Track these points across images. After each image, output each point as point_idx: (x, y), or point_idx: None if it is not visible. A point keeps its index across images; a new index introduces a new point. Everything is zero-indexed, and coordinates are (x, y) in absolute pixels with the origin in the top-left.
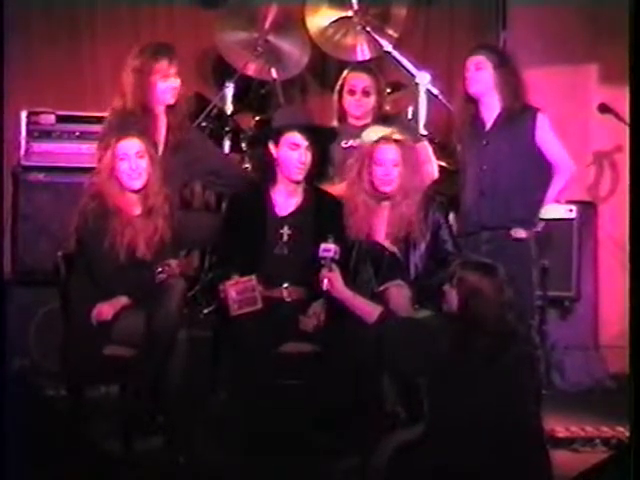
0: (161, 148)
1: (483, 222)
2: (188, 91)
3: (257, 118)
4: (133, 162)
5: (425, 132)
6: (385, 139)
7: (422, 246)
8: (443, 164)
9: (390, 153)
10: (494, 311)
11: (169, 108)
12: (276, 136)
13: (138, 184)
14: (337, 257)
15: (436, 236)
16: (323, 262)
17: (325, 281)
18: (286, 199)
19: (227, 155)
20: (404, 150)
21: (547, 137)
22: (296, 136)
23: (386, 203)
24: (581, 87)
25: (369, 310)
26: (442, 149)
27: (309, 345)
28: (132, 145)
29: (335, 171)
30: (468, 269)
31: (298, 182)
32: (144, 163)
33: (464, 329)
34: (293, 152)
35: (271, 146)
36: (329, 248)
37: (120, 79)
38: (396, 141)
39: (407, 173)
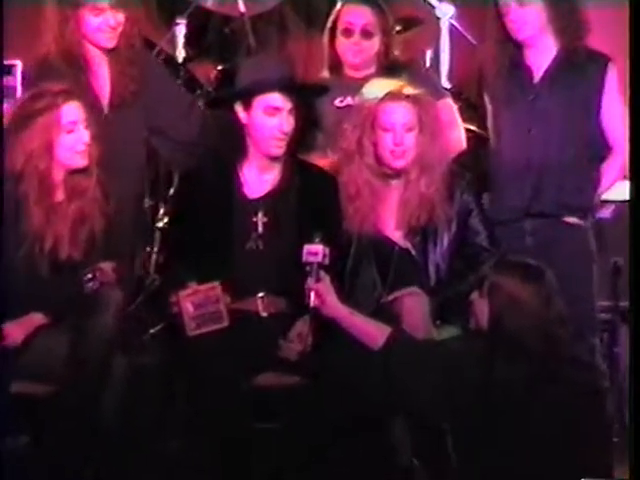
0: (105, 109)
1: (527, 206)
2: (134, 29)
3: (219, 68)
4: (80, 133)
5: (449, 85)
6: (394, 95)
7: (446, 240)
8: (473, 128)
9: (401, 114)
10: (539, 328)
11: (110, 53)
12: (246, 97)
13: (83, 161)
14: (327, 261)
15: (465, 226)
16: (308, 269)
17: (312, 295)
18: (259, 176)
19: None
20: (420, 110)
21: (614, 100)
22: (276, 98)
23: (397, 182)
24: None
25: (373, 332)
26: (472, 108)
27: (292, 377)
28: (77, 111)
29: (327, 140)
30: (503, 272)
31: (277, 157)
32: (88, 134)
33: (499, 354)
34: (271, 118)
35: (239, 110)
36: (315, 250)
37: (38, 15)
38: (409, 97)
39: (424, 141)
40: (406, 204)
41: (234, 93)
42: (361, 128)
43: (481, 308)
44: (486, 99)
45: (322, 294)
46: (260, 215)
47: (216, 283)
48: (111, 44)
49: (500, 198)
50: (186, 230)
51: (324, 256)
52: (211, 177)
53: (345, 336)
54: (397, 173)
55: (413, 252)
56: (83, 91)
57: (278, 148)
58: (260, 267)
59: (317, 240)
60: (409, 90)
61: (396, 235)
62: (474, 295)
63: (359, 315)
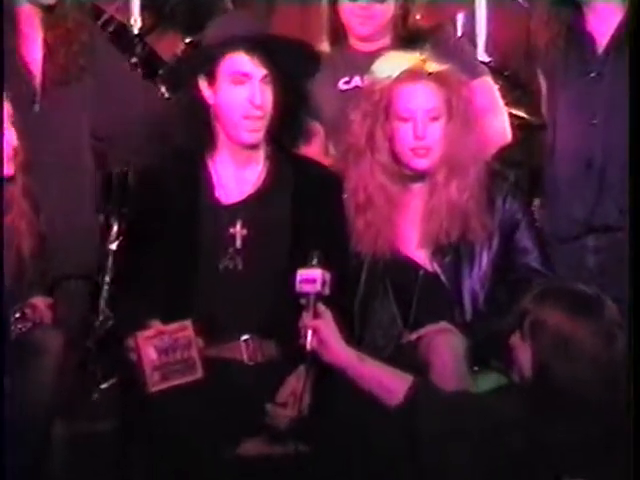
0: (38, 92)
1: (589, 217)
2: None
3: (187, 40)
4: (7, 134)
5: (487, 58)
6: (413, 73)
7: (484, 260)
8: (520, 114)
9: (423, 98)
10: (599, 377)
11: (45, 15)
12: (209, 64)
13: (8, 169)
14: (327, 291)
15: (509, 242)
16: (304, 302)
17: (309, 335)
18: (237, 174)
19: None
20: (449, 92)
21: None
22: (242, 60)
23: (419, 187)
24: None
25: (390, 383)
26: (519, 88)
27: (285, 445)
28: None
29: (328, 132)
30: (549, 304)
31: (252, 145)
32: (14, 134)
33: (548, 411)
34: (239, 88)
35: (202, 84)
36: (312, 276)
37: None
38: (433, 76)
39: (455, 132)
40: (432, 215)
41: (195, 60)
42: (372, 117)
43: (523, 352)
44: (539, 76)
45: (322, 334)
46: (238, 226)
47: (187, 322)
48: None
49: (555, 206)
50: (146, 252)
51: (324, 284)
52: (175, 180)
53: (353, 390)
54: (420, 175)
55: (442, 277)
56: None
57: (252, 131)
58: (243, 298)
59: (314, 262)
60: (433, 66)
61: (420, 255)
62: (514, 337)
63: (371, 361)
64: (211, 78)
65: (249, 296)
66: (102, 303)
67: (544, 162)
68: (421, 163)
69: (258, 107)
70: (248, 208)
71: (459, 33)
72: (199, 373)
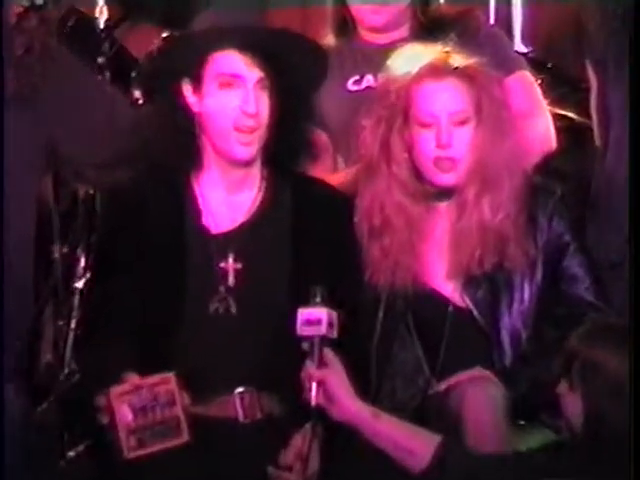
0: None
1: None
2: None
3: (164, 34)
4: None
5: (525, 49)
6: (435, 69)
7: (527, 292)
8: (567, 114)
9: (446, 98)
10: None
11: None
12: (194, 63)
13: None
14: (334, 333)
15: (557, 269)
16: (307, 348)
17: (313, 387)
18: (227, 197)
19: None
20: (479, 90)
21: None
22: (233, 59)
23: (446, 206)
24: None
25: (413, 444)
26: (566, 84)
27: None
28: None
29: (336, 142)
30: (602, 343)
31: (246, 162)
32: None
33: (604, 473)
34: (229, 93)
35: (186, 88)
36: (316, 316)
37: None
38: (459, 71)
39: (487, 139)
40: (461, 240)
41: (176, 62)
42: (388, 123)
43: (573, 403)
44: (589, 70)
45: (329, 387)
46: (230, 260)
47: (169, 374)
48: None
49: (610, 226)
50: (120, 291)
51: (330, 325)
52: (153, 204)
53: (369, 451)
54: (445, 192)
55: (476, 313)
56: None
57: (245, 145)
58: (237, 345)
59: (318, 300)
60: (460, 60)
61: (448, 288)
62: (561, 386)
63: (388, 418)
64: (196, 81)
65: (244, 342)
66: (67, 352)
67: (597, 173)
68: (446, 178)
69: (252, 116)
70: (242, 238)
71: (491, 20)
72: (185, 436)
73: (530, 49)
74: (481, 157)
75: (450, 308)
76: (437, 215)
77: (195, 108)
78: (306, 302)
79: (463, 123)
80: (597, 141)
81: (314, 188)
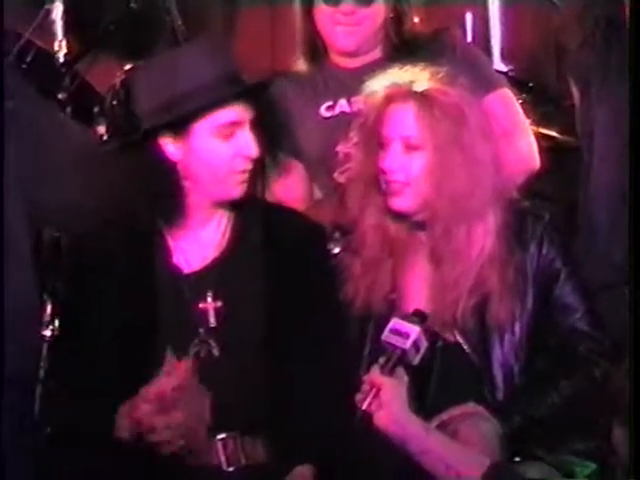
0: None
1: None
2: None
3: (127, 67)
4: None
5: (505, 67)
6: (398, 91)
7: (517, 325)
8: (552, 134)
9: (400, 122)
10: None
11: None
12: (179, 124)
13: None
14: (415, 359)
15: (549, 298)
16: (382, 359)
17: (370, 394)
18: (196, 234)
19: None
20: (440, 116)
21: None
22: (236, 110)
23: (424, 236)
24: None
25: (462, 464)
26: (546, 102)
27: None
28: None
29: (310, 170)
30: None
31: (241, 200)
32: None
33: None
34: (226, 142)
35: (164, 141)
36: (407, 331)
37: None
38: (419, 96)
39: (448, 166)
40: (439, 284)
41: (161, 123)
42: (364, 144)
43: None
44: (571, 86)
45: (384, 393)
46: (209, 299)
47: None
48: None
49: (594, 247)
50: (91, 339)
51: (415, 346)
52: (121, 246)
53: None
54: (419, 222)
55: (466, 347)
56: None
57: (240, 184)
58: (218, 389)
59: (415, 319)
60: (424, 84)
61: (436, 320)
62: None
63: (439, 435)
64: (180, 132)
65: (226, 385)
66: (36, 405)
67: (584, 191)
68: (396, 202)
69: (251, 158)
70: (217, 275)
71: (469, 38)
72: None
73: (510, 67)
74: (440, 185)
75: (439, 343)
76: (418, 244)
77: (175, 157)
78: (287, 337)
79: (415, 149)
80: (583, 159)
81: (284, 217)
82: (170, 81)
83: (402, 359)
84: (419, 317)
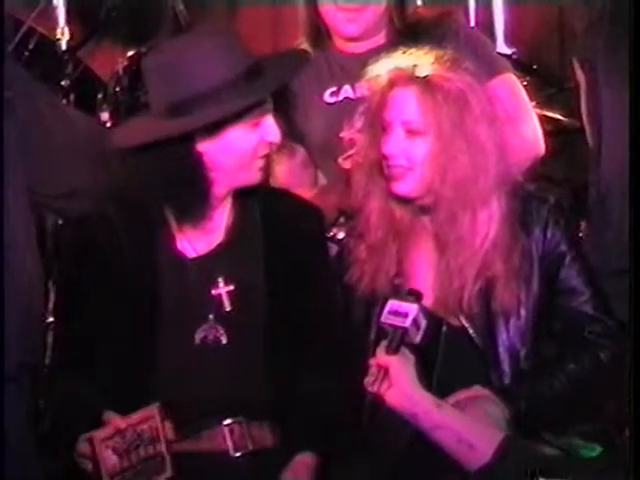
0: None
1: None
2: None
3: (130, 53)
4: None
5: (508, 50)
6: (401, 75)
7: (522, 309)
8: (557, 116)
9: (402, 106)
10: None
11: None
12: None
13: None
14: (418, 338)
15: (554, 282)
16: (385, 341)
17: (379, 375)
18: (200, 220)
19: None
20: (442, 102)
21: None
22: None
23: (429, 220)
24: None
25: (474, 437)
26: (550, 85)
27: None
28: None
29: (315, 156)
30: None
31: (260, 184)
32: None
33: None
34: (254, 132)
35: (197, 140)
36: (405, 310)
37: None
38: (422, 81)
39: (449, 152)
40: (444, 269)
41: (196, 126)
42: (367, 129)
43: None
44: (576, 70)
45: (392, 371)
46: (221, 283)
47: (152, 408)
48: None
49: (606, 232)
50: (93, 324)
51: (415, 324)
52: (122, 232)
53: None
54: (424, 207)
55: (472, 331)
56: None
57: (259, 170)
58: (225, 374)
59: (411, 298)
60: (427, 69)
61: (441, 306)
62: None
63: (452, 410)
64: (210, 131)
65: (233, 372)
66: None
67: (588, 176)
68: (398, 187)
69: (273, 144)
70: (226, 260)
71: (471, 21)
72: (168, 472)
73: (513, 50)
74: (444, 171)
75: (444, 328)
76: (423, 229)
77: (202, 148)
78: (291, 323)
79: (417, 134)
80: (590, 143)
81: (282, 202)
82: (189, 76)
83: (404, 338)
84: (414, 295)
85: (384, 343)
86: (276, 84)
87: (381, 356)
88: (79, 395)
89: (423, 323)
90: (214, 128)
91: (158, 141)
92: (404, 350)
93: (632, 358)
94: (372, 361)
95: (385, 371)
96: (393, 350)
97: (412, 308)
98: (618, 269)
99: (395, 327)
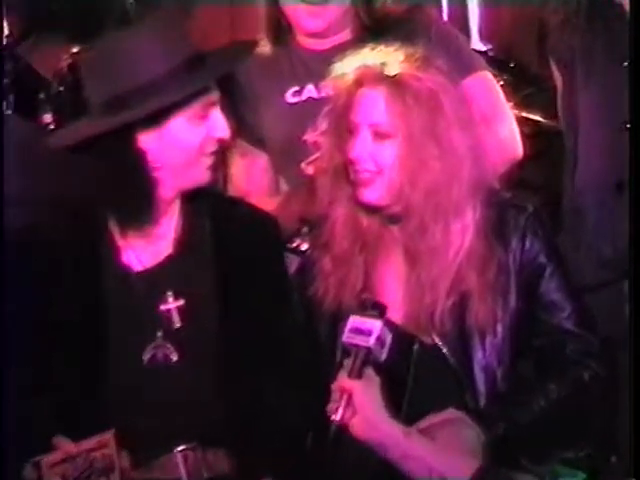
0: None
1: (624, 256)
2: None
3: (74, 50)
4: None
5: (484, 47)
6: (369, 74)
7: (499, 326)
8: (535, 117)
9: (370, 108)
10: None
11: None
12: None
13: None
14: (383, 354)
15: (533, 296)
16: (347, 361)
17: (343, 400)
18: (148, 231)
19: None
20: (413, 103)
21: None
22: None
23: (398, 229)
24: None
25: (448, 468)
26: (528, 84)
27: None
28: None
29: (276, 160)
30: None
31: (210, 185)
32: None
33: None
34: (199, 125)
35: (140, 134)
36: (369, 328)
37: None
38: (391, 80)
39: (420, 157)
40: (415, 293)
41: (135, 119)
42: (333, 131)
43: None
44: (553, 68)
45: (357, 398)
46: (170, 299)
47: (108, 434)
48: None
49: (580, 245)
50: (40, 342)
51: (379, 341)
52: (62, 240)
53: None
54: (393, 215)
55: (445, 350)
56: None
57: (207, 169)
58: (178, 396)
59: (374, 313)
60: (395, 67)
61: (412, 322)
62: None
63: (422, 439)
64: (151, 124)
65: (185, 393)
66: None
67: (564, 182)
68: (366, 194)
69: (222, 140)
70: (175, 273)
71: (445, 16)
72: None
73: (489, 47)
74: (414, 177)
75: (415, 346)
76: (392, 240)
77: (144, 144)
78: (248, 340)
79: (385, 137)
80: (567, 145)
81: (235, 210)
82: (127, 69)
83: (368, 358)
84: (378, 310)
85: (347, 365)
86: (217, 73)
87: (344, 380)
88: (28, 417)
89: (388, 338)
90: (155, 120)
91: (95, 138)
92: (369, 372)
93: (631, 366)
94: (334, 385)
95: (348, 397)
96: (356, 373)
97: (376, 325)
98: (595, 282)
99: (358, 347)
